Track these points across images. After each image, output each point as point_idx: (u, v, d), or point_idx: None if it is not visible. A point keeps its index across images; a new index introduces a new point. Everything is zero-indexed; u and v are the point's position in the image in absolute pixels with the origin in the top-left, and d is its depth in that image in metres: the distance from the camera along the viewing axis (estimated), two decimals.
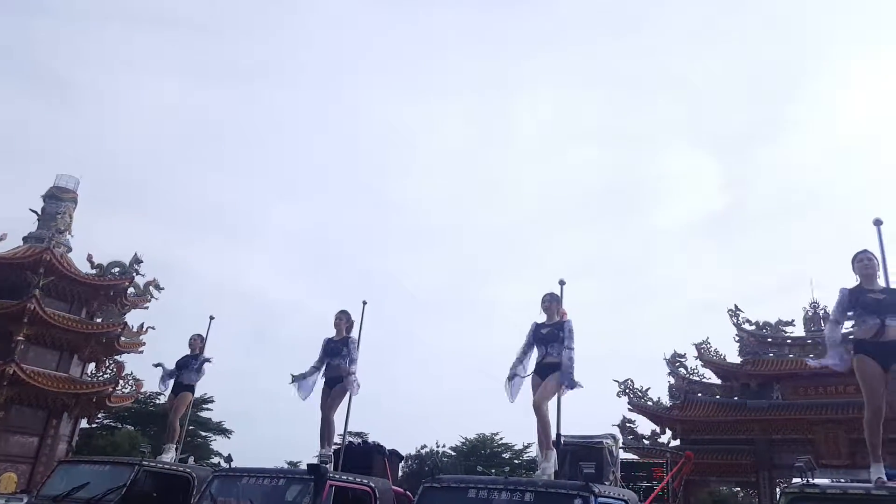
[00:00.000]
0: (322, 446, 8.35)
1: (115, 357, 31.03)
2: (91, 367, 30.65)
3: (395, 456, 9.76)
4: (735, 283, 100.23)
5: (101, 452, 31.36)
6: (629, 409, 34.16)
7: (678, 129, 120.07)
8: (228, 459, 7.66)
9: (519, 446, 50.27)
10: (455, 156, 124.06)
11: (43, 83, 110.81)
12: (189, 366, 10.10)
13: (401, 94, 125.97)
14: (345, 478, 7.25)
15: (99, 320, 30.41)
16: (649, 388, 34.35)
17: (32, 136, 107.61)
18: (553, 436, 6.72)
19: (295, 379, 8.62)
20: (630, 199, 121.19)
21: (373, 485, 7.49)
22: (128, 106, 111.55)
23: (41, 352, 28.22)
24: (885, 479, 5.00)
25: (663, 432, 33.84)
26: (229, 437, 47.25)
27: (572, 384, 6.76)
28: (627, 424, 33.95)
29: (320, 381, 8.67)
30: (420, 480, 6.43)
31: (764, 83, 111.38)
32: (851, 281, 5.84)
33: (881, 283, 5.79)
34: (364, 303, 9.46)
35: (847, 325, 5.90)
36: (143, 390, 33.07)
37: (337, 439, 8.90)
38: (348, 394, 8.61)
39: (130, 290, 31.28)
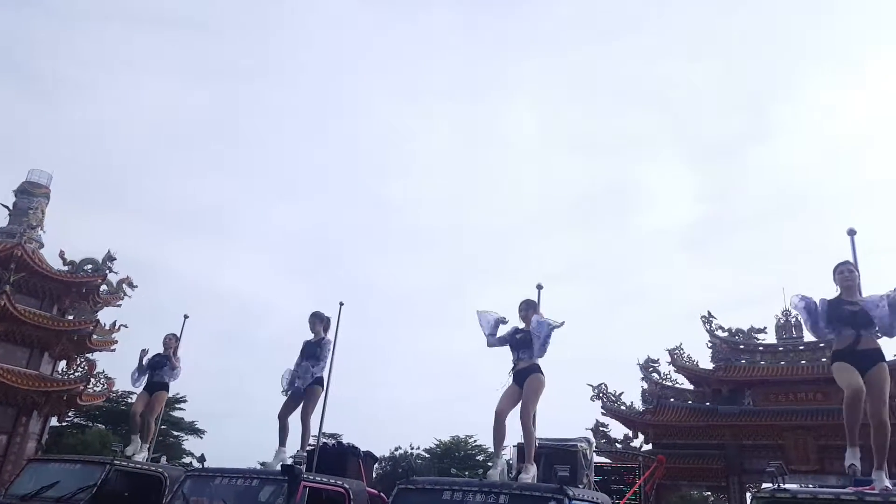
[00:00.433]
0: (280, 445, 8.27)
1: (87, 355, 30.50)
2: (62, 364, 30.10)
3: (369, 457, 9.76)
4: (710, 290, 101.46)
5: (72, 451, 30.97)
6: (602, 413, 34.52)
7: (657, 139, 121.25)
8: (201, 459, 7.58)
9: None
10: (444, 157, 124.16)
11: (44, 83, 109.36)
12: (162, 365, 9.93)
13: (401, 95, 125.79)
14: (319, 479, 7.23)
15: (70, 317, 29.90)
16: (623, 393, 34.76)
17: (32, 137, 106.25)
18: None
19: (286, 391, 8.57)
20: (611, 205, 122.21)
21: (347, 486, 7.48)
22: (127, 106, 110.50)
23: (11, 349, 27.71)
24: (857, 465, 5.25)
25: (636, 436, 34.19)
26: (202, 437, 46.91)
27: (544, 348, 6.87)
28: (601, 428, 34.22)
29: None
30: (394, 482, 6.44)
31: (740, 94, 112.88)
32: (825, 291, 6.04)
33: (864, 293, 5.97)
34: (341, 304, 9.46)
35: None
36: (114, 389, 32.60)
37: (312, 440, 8.88)
38: (321, 396, 8.62)
39: (103, 287, 30.85)
